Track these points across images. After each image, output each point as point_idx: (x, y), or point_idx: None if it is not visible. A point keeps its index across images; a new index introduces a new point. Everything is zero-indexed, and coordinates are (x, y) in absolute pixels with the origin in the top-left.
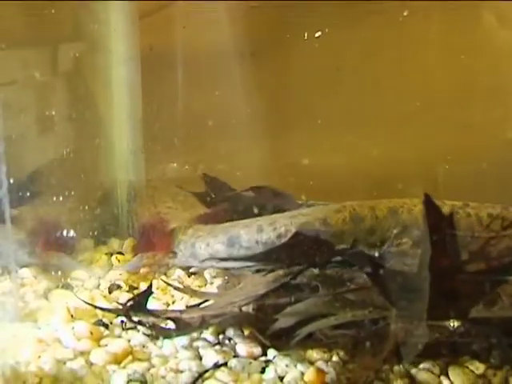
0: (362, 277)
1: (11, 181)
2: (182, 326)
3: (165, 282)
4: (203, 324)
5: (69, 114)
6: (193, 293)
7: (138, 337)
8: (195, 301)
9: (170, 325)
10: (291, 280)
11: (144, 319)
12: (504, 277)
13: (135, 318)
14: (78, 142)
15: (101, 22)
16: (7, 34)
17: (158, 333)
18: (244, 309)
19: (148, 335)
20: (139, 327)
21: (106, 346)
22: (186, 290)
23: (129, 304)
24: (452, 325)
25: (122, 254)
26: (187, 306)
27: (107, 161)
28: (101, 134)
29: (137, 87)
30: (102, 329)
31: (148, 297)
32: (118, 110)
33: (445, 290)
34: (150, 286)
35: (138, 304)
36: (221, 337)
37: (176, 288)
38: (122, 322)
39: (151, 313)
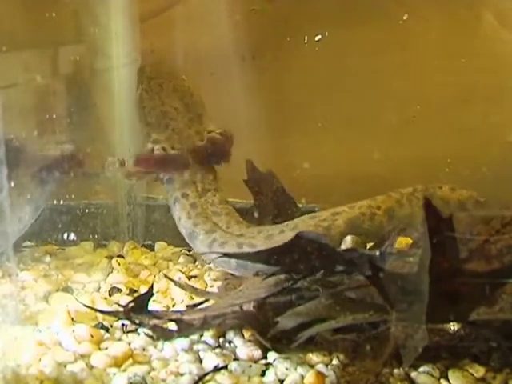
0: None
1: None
2: (184, 327)
3: (166, 276)
4: (205, 324)
5: (69, 117)
6: (194, 291)
7: (138, 340)
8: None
9: (172, 326)
10: (292, 285)
11: (145, 321)
12: (505, 279)
13: (136, 320)
14: (77, 145)
15: (101, 26)
16: (8, 36)
17: (159, 334)
18: (245, 307)
19: (150, 336)
20: (140, 330)
21: (107, 349)
22: (186, 286)
23: (130, 306)
24: (452, 328)
25: (123, 256)
26: (188, 306)
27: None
28: (102, 138)
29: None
30: (102, 332)
31: (149, 298)
32: (119, 113)
33: (445, 292)
34: (151, 288)
35: (139, 306)
36: (221, 340)
37: (177, 284)
38: (123, 325)
39: (152, 314)
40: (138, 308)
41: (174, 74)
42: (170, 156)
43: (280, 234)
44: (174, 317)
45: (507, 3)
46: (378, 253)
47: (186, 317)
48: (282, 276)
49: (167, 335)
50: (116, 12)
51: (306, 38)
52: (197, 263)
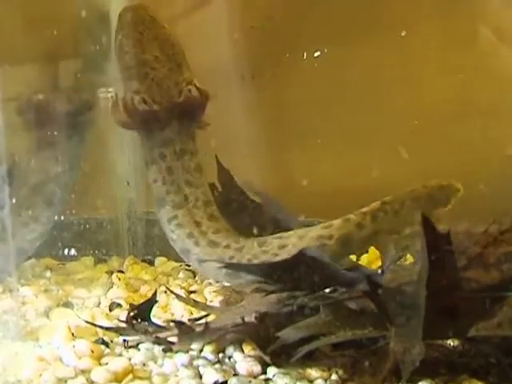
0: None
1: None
2: (185, 330)
3: (168, 288)
4: (206, 332)
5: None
6: (195, 304)
7: (138, 355)
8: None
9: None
10: (294, 303)
11: (148, 330)
12: (505, 292)
13: (138, 328)
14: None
15: (102, 44)
16: (8, 54)
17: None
18: (247, 319)
19: (154, 342)
20: (141, 346)
21: (107, 364)
22: (188, 300)
23: (132, 313)
24: (451, 343)
25: (123, 272)
26: (189, 320)
27: (108, 180)
28: (102, 154)
29: None
30: (102, 347)
31: (152, 305)
32: (120, 132)
33: (443, 308)
34: (154, 295)
35: (142, 314)
36: (221, 355)
37: (179, 297)
38: (125, 340)
39: (154, 323)
40: (141, 316)
41: (155, 22)
42: (152, 112)
43: (224, 249)
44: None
45: (505, 19)
46: (379, 270)
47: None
48: (284, 293)
49: (169, 345)
50: None
51: (305, 55)
52: (196, 278)
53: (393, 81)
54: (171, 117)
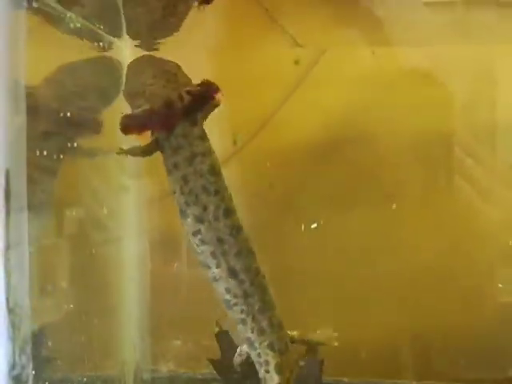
0: None
1: None
2: None
3: None
4: None
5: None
6: None
7: None
8: None
9: None
10: None
11: None
12: None
13: None
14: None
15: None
16: None
17: None
18: None
19: None
20: None
21: None
22: None
23: None
24: None
25: None
26: None
27: (113, 341)
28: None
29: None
30: None
31: None
32: (127, 295)
33: None
34: None
35: None
36: None
37: None
38: None
39: None
40: None
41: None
42: (153, 112)
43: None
44: None
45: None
46: None
47: None
48: None
49: None
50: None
51: (303, 227)
52: None
53: (386, 247)
54: (173, 122)
